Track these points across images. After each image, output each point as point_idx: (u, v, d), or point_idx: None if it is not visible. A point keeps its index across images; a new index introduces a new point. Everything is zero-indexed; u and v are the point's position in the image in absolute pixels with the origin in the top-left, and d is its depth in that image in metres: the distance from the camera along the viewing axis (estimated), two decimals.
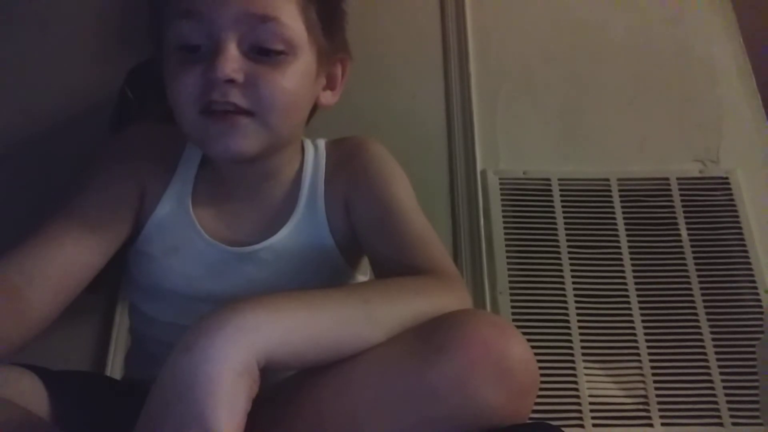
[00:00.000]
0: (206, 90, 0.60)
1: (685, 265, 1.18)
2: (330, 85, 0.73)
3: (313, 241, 0.71)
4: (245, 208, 0.73)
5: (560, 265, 1.19)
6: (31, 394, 0.53)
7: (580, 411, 1.08)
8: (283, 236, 0.70)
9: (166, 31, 0.64)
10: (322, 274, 0.72)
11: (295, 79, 0.63)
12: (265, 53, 0.61)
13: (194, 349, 0.42)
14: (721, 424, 1.06)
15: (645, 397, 1.09)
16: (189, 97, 0.61)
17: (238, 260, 0.70)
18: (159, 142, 0.76)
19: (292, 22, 0.62)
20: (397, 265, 0.63)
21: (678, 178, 1.26)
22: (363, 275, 0.78)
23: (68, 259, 0.63)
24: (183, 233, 0.71)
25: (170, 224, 0.71)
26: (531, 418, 0.47)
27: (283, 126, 0.64)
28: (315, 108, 0.74)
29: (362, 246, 0.71)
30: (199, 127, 0.62)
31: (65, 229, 0.64)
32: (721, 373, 1.10)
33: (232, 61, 0.59)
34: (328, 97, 0.73)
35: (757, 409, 1.06)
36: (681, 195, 1.25)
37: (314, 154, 0.76)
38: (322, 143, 0.78)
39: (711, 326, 1.13)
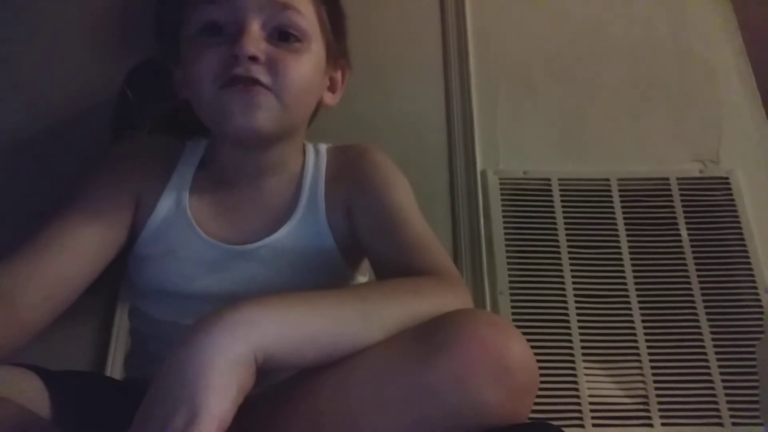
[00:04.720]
0: (229, 66, 0.63)
1: (685, 265, 1.18)
2: (331, 89, 0.77)
3: (314, 241, 0.72)
4: (245, 206, 0.73)
5: (560, 265, 1.19)
6: (31, 393, 0.53)
7: (580, 411, 1.08)
8: (282, 235, 0.71)
9: (188, 16, 0.68)
10: (321, 273, 0.72)
11: (309, 66, 0.68)
12: (284, 38, 0.66)
13: (192, 341, 0.43)
14: (721, 424, 1.06)
15: (645, 397, 1.09)
16: (210, 73, 0.64)
17: (237, 258, 0.70)
18: (154, 149, 0.78)
19: (308, 14, 0.69)
20: (398, 267, 0.64)
21: (678, 178, 1.26)
22: (363, 276, 0.78)
23: (61, 268, 0.64)
24: (181, 234, 0.71)
25: (168, 226, 0.72)
26: (531, 418, 0.47)
27: (295, 107, 0.68)
28: (317, 109, 0.77)
29: (364, 250, 0.71)
30: (220, 100, 0.64)
31: (59, 237, 0.65)
32: (721, 373, 1.10)
33: (257, 40, 0.64)
34: (329, 97, 0.77)
35: (757, 409, 1.06)
36: (681, 195, 1.25)
37: (315, 157, 0.77)
38: (323, 147, 0.79)
39: (711, 326, 1.13)
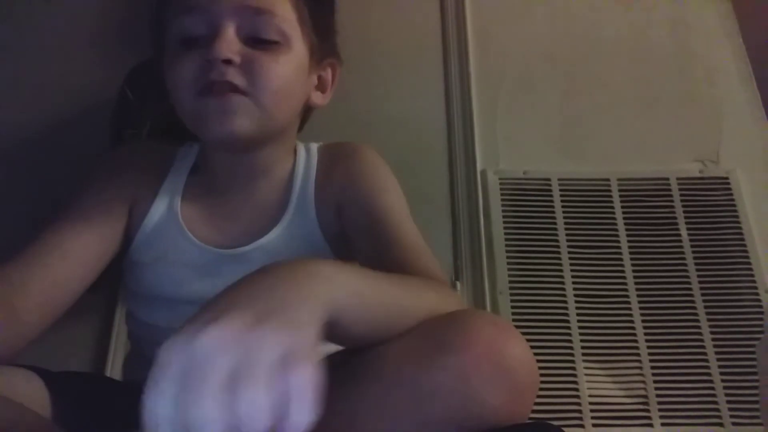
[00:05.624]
0: (205, 70, 0.63)
1: (685, 265, 1.18)
2: (320, 88, 0.76)
3: (305, 241, 0.71)
4: (236, 209, 0.73)
5: (560, 265, 1.19)
6: (31, 393, 0.53)
7: (580, 411, 1.08)
8: (273, 237, 0.71)
9: (168, 27, 0.67)
10: None
11: (289, 67, 0.67)
12: (260, 42, 0.65)
13: (279, 266, 0.43)
14: (721, 424, 1.06)
15: (645, 397, 1.09)
16: (188, 79, 0.64)
17: (228, 262, 0.70)
18: (148, 155, 0.78)
19: (287, 16, 0.67)
20: (390, 269, 0.62)
21: (678, 178, 1.26)
22: None
23: (58, 273, 0.64)
24: (172, 239, 0.71)
25: (160, 231, 0.72)
26: (531, 418, 0.47)
27: (276, 109, 0.67)
28: (308, 111, 0.77)
29: (354, 252, 0.71)
30: (197, 107, 0.64)
31: (56, 243, 0.65)
32: (721, 373, 1.10)
33: (230, 43, 0.63)
34: (318, 97, 0.76)
35: (757, 409, 1.06)
36: (681, 195, 1.25)
37: (306, 157, 0.77)
38: (314, 147, 0.79)
39: (711, 326, 1.13)
